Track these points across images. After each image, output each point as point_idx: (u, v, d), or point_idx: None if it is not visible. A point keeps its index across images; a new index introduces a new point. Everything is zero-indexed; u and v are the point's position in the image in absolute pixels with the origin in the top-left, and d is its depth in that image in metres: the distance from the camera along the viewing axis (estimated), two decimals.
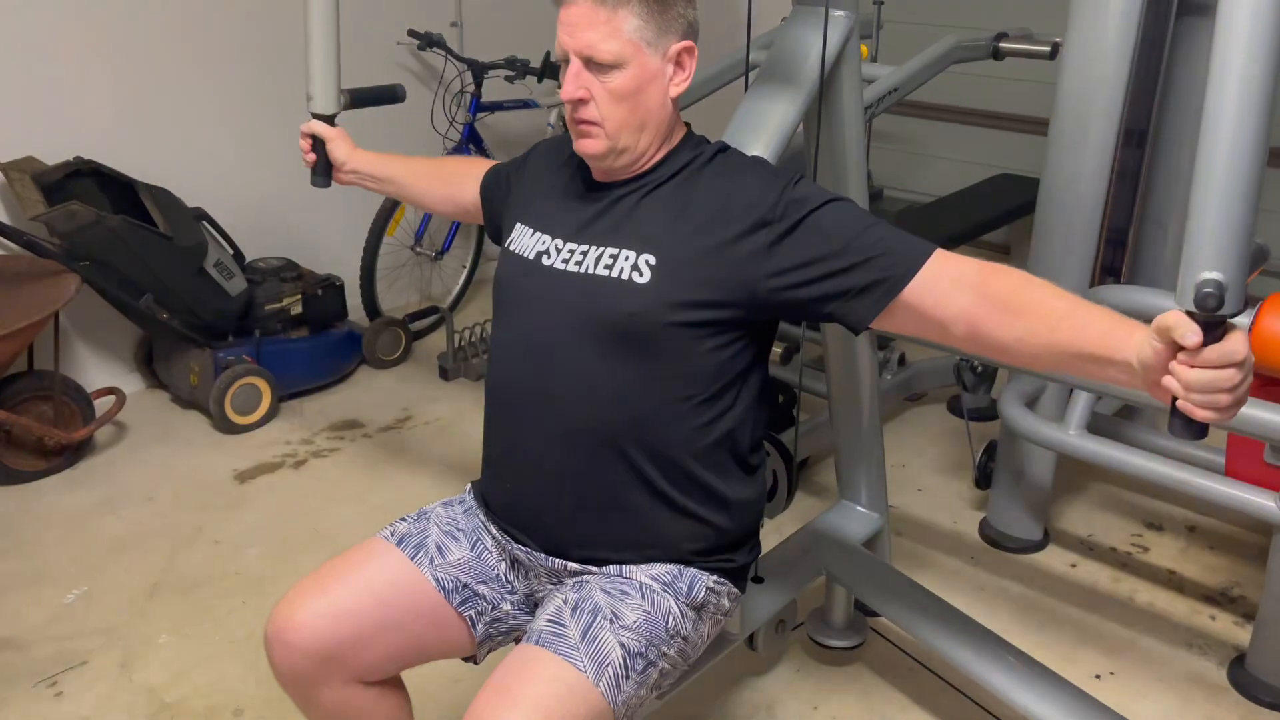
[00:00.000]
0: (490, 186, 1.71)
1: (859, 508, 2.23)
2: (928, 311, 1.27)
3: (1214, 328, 1.02)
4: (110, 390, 3.09)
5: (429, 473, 2.97)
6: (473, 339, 3.60)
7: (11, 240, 2.82)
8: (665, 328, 1.35)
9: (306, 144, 1.83)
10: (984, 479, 2.70)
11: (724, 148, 1.46)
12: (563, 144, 1.57)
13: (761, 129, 1.64)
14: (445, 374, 3.54)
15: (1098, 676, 2.18)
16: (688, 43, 1.38)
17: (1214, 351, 1.01)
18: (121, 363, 3.37)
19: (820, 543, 2.13)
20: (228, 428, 3.14)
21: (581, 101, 1.36)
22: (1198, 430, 1.06)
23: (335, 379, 3.49)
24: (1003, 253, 4.51)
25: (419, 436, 3.18)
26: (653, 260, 1.35)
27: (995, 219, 3.84)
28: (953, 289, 1.25)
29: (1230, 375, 1.01)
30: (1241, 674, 2.16)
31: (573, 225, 1.44)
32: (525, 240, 1.48)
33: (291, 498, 2.84)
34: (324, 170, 1.83)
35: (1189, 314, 1.03)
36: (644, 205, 1.40)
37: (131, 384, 3.34)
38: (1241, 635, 2.29)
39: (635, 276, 1.35)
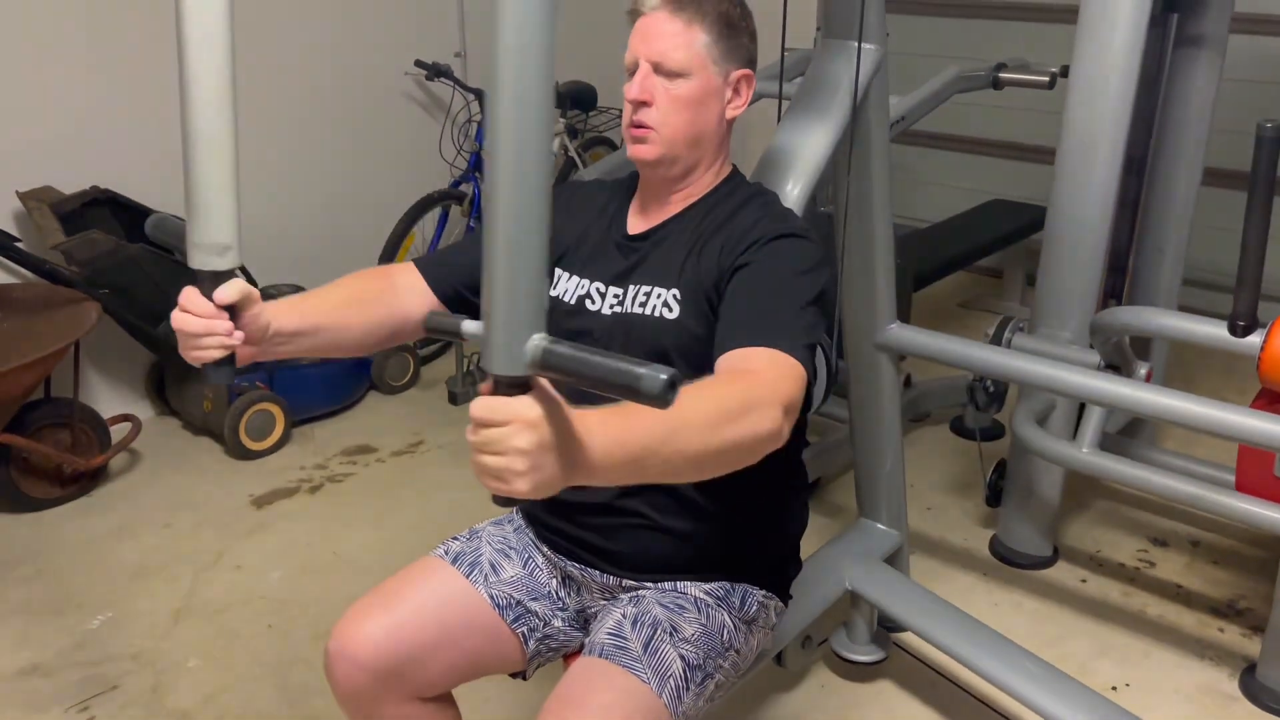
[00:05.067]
0: (460, 276, 1.51)
1: (879, 525, 2.28)
2: None
3: (498, 386, 0.93)
4: (126, 417, 3.11)
5: (445, 497, 3.00)
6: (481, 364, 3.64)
7: (31, 269, 2.85)
8: (697, 356, 1.39)
9: (227, 324, 1.21)
10: (994, 497, 2.76)
11: (761, 191, 1.51)
12: (584, 191, 1.61)
13: (795, 160, 1.71)
14: (455, 399, 3.58)
15: (1114, 688, 2.23)
16: (748, 71, 1.46)
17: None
18: (133, 389, 3.38)
19: (844, 560, 2.17)
20: (241, 454, 3.16)
21: (644, 104, 1.42)
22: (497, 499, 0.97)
23: (345, 405, 3.51)
24: (995, 277, 4.61)
25: (433, 461, 3.21)
26: (678, 294, 1.41)
27: (989, 244, 3.94)
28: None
29: (470, 431, 0.94)
30: (1252, 683, 2.22)
31: (613, 271, 1.49)
32: (566, 284, 1.52)
33: (310, 522, 2.86)
34: (232, 356, 1.24)
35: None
36: (677, 247, 1.45)
37: (142, 410, 3.36)
38: (1249, 647, 2.35)
39: (665, 312, 1.41)
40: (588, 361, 0.88)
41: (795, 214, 1.48)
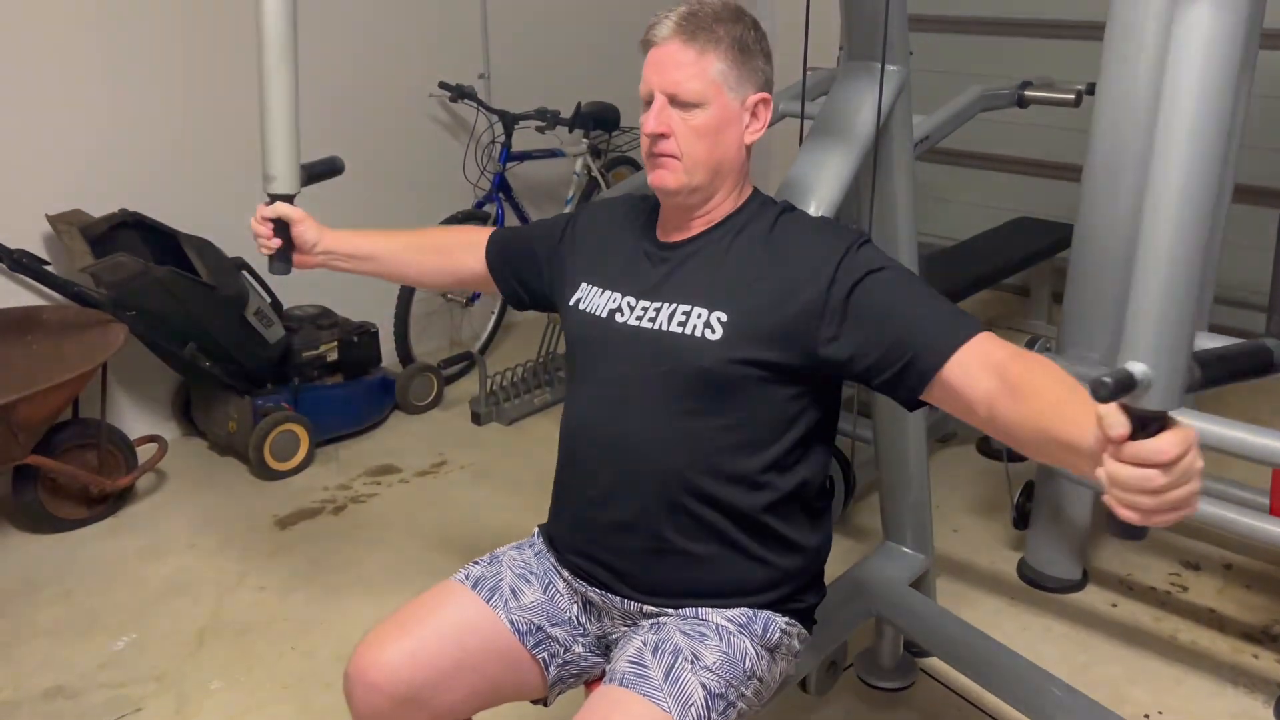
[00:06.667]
0: (510, 257, 1.71)
1: (905, 549, 2.26)
2: (959, 392, 1.28)
3: (1147, 423, 0.93)
4: (152, 438, 3.13)
5: (468, 516, 2.99)
6: (504, 383, 3.64)
7: (60, 291, 2.88)
8: (737, 381, 1.39)
9: (267, 230, 1.64)
10: (1021, 519, 2.72)
11: (790, 207, 1.51)
12: (615, 205, 1.63)
13: (818, 181, 1.70)
14: (478, 419, 3.58)
15: (1146, 716, 2.19)
16: (765, 95, 1.45)
17: (1134, 448, 0.93)
18: (159, 410, 3.41)
19: (869, 584, 2.15)
20: (266, 474, 3.17)
21: (662, 136, 1.41)
22: (1125, 530, 0.98)
23: (370, 425, 3.52)
24: (1022, 295, 4.57)
25: (455, 481, 3.21)
26: (724, 317, 1.40)
27: (1016, 262, 3.90)
28: (982, 371, 1.25)
29: (1150, 476, 0.92)
30: None
31: (644, 284, 1.49)
32: (596, 299, 1.52)
33: (333, 543, 2.86)
34: (286, 255, 1.67)
35: (1120, 405, 0.95)
36: (714, 263, 1.45)
37: (169, 431, 3.38)
38: None
39: (708, 334, 1.40)
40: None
41: (831, 220, 1.54)
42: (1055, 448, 1.13)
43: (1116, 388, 0.92)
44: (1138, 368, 0.94)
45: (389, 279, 1.79)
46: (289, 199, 1.67)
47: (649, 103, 1.42)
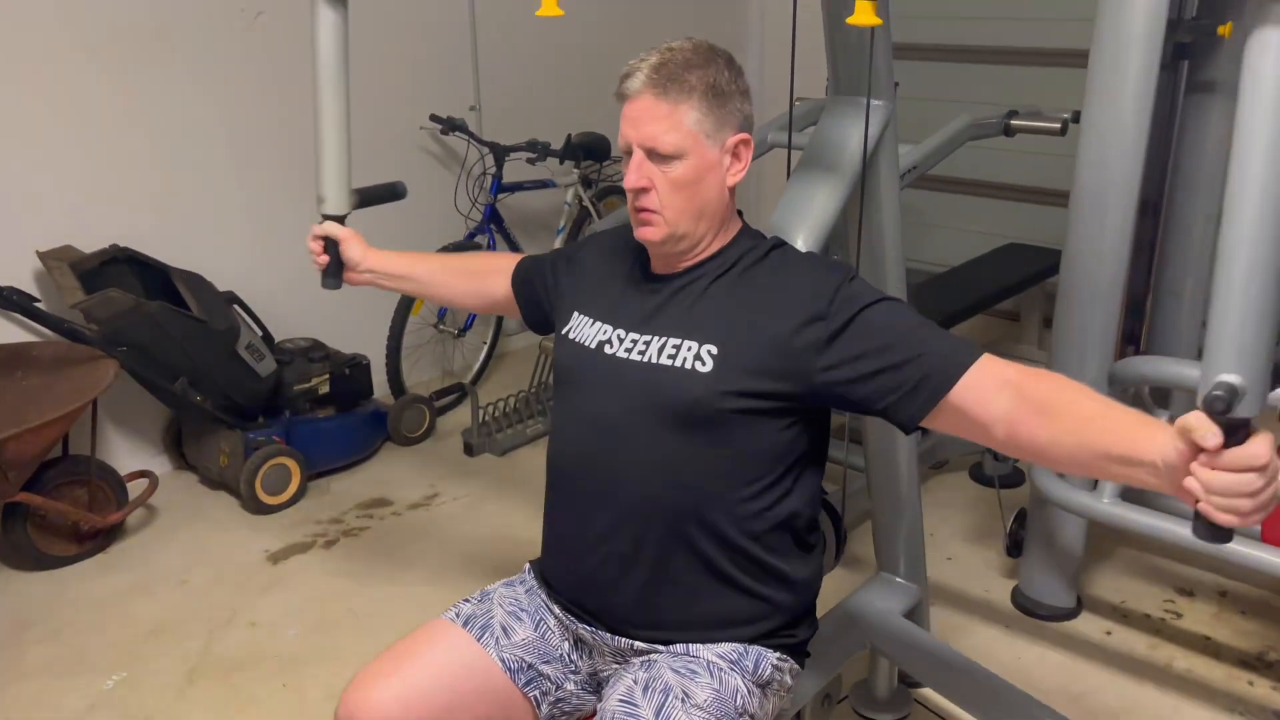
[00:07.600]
0: (529, 279, 1.74)
1: (898, 579, 2.25)
2: (970, 413, 1.29)
3: (1235, 430, 1.00)
4: (142, 473, 3.12)
5: (461, 549, 2.98)
6: (496, 414, 3.64)
7: (51, 327, 2.88)
8: (728, 414, 1.39)
9: (318, 246, 1.79)
10: (1015, 547, 2.72)
11: (780, 243, 1.52)
12: (618, 235, 1.63)
13: (806, 215, 1.71)
14: (470, 450, 3.57)
15: None
16: (744, 135, 1.45)
17: (1234, 455, 1.00)
18: (150, 444, 3.39)
19: (862, 616, 2.14)
20: (258, 508, 3.15)
21: (643, 190, 1.42)
22: (1220, 534, 1.04)
23: (361, 457, 3.51)
24: (1013, 320, 4.58)
25: (448, 513, 3.20)
26: (714, 350, 1.40)
27: (1007, 288, 3.92)
28: (995, 392, 1.27)
29: (1250, 480, 0.99)
30: None
31: (634, 316, 1.49)
32: (586, 330, 1.53)
33: (325, 578, 2.85)
34: (335, 271, 1.79)
35: (1209, 416, 1.02)
36: (704, 297, 1.45)
37: (160, 465, 3.37)
38: None
39: (698, 366, 1.40)
40: None
41: (819, 256, 1.55)
42: (1105, 461, 1.16)
43: (1229, 400, 0.99)
44: (1235, 379, 1.00)
45: (427, 298, 1.93)
46: (339, 219, 1.81)
47: (628, 154, 1.43)
